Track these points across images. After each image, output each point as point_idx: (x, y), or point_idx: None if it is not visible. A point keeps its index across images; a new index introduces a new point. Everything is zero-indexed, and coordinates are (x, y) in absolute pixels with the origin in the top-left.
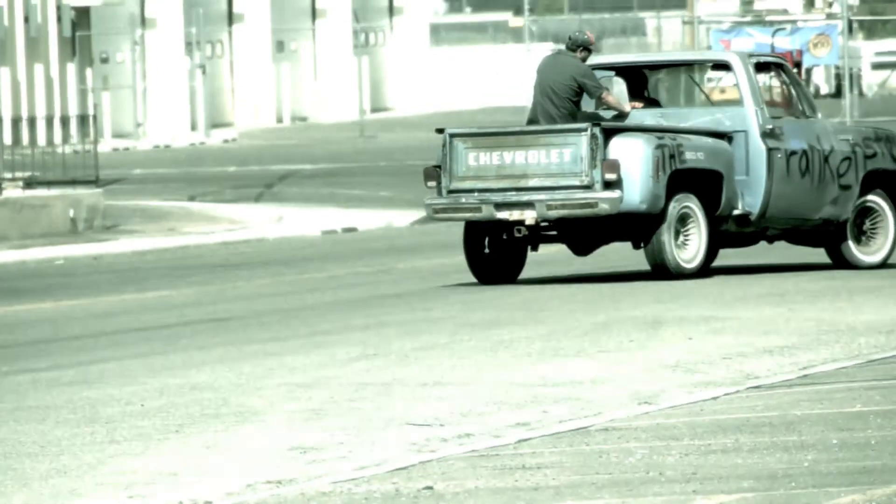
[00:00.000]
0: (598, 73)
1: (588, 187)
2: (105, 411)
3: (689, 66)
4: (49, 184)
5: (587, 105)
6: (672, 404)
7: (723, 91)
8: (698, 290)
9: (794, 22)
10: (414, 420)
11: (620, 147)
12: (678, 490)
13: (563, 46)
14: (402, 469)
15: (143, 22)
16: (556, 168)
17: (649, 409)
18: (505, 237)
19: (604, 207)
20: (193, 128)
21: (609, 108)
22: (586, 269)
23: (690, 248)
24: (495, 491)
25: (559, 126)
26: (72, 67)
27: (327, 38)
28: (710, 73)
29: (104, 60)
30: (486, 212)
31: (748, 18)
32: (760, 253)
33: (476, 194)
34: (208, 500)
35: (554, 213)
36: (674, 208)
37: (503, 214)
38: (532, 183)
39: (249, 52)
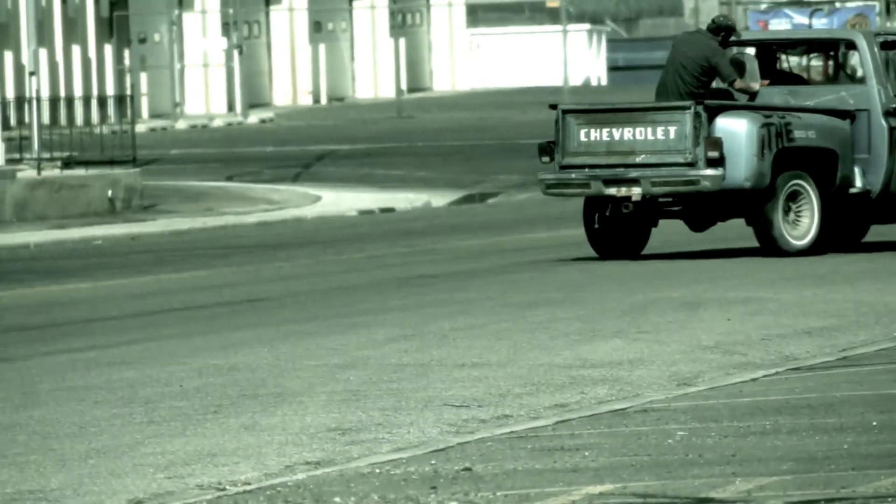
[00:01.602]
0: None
1: (692, 164)
2: (144, 392)
3: (817, 44)
4: (87, 164)
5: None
6: (711, 386)
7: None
8: (737, 270)
9: (831, 2)
10: (452, 401)
11: (725, 125)
12: (717, 472)
13: (606, 27)
14: (440, 450)
15: (181, 2)
16: (662, 145)
17: (688, 391)
18: (620, 212)
19: (705, 185)
20: (231, 108)
21: (739, 91)
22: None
23: (802, 225)
24: (533, 472)
25: (665, 103)
26: (109, 48)
27: (364, 19)
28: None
29: (142, 41)
30: (595, 188)
31: None
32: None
33: (586, 170)
34: (246, 481)
35: (658, 190)
36: (782, 186)
37: (611, 191)
38: (639, 160)
39: (287, 32)
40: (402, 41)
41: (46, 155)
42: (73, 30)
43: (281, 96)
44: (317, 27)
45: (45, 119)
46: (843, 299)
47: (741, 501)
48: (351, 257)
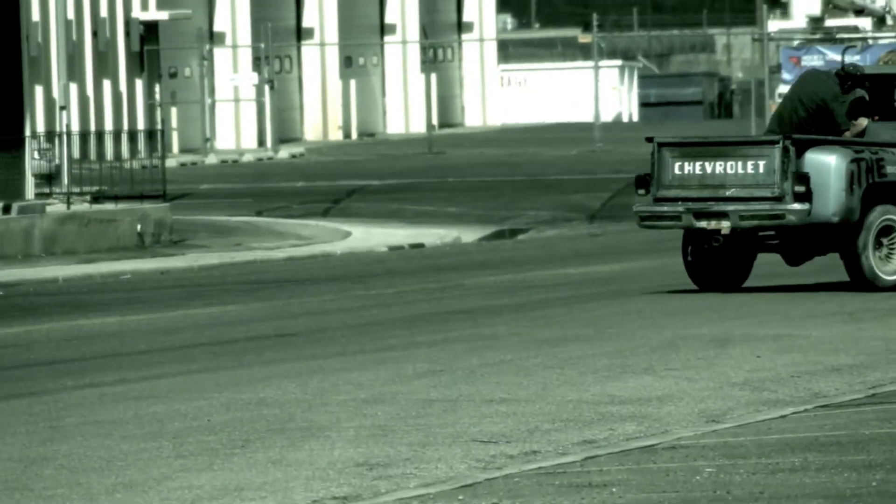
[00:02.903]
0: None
1: (779, 199)
2: (171, 426)
3: None
4: (116, 198)
5: None
6: (739, 423)
7: None
8: (767, 307)
9: (864, 39)
10: (480, 437)
11: (814, 160)
12: None
13: (638, 63)
14: (468, 486)
15: (212, 37)
16: (751, 179)
17: (717, 428)
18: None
19: (791, 219)
20: (261, 143)
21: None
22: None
23: (894, 261)
24: None
25: (755, 138)
26: (140, 82)
27: (396, 54)
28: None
29: (172, 75)
30: (686, 220)
31: (818, 36)
32: (828, 271)
33: (679, 203)
34: None
35: (746, 224)
36: (874, 221)
37: (701, 224)
38: (729, 193)
39: (318, 67)
40: (433, 76)
41: (76, 189)
42: (104, 64)
43: (311, 131)
44: (348, 62)
45: (76, 153)
46: (872, 336)
47: None
48: (380, 293)
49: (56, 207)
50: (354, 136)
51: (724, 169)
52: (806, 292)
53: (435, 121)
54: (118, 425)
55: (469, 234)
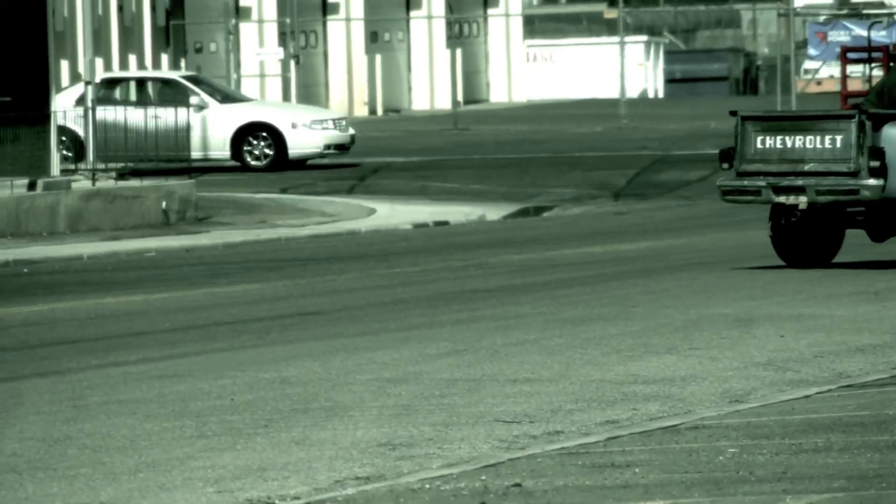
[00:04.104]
0: None
1: (854, 174)
2: (195, 405)
3: None
4: (142, 175)
5: None
6: (763, 403)
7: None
8: (791, 286)
9: (891, 15)
10: (503, 417)
11: (891, 135)
12: (768, 490)
13: (664, 39)
14: (490, 466)
15: (238, 12)
16: (829, 154)
17: (740, 408)
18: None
19: (865, 194)
20: None
21: None
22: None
23: None
24: (584, 489)
25: (833, 112)
26: (165, 57)
27: (421, 30)
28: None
29: (198, 50)
30: (765, 195)
31: (844, 11)
32: (855, 251)
33: (759, 178)
34: (296, 495)
35: (822, 199)
36: None
37: (780, 198)
38: (807, 168)
39: (343, 42)
40: (458, 52)
41: (101, 166)
42: (130, 39)
43: (337, 107)
44: (373, 37)
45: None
46: None
47: None
48: (404, 271)
49: (81, 184)
50: (380, 112)
51: (804, 143)
52: (832, 270)
53: (460, 97)
54: (141, 404)
55: (494, 212)
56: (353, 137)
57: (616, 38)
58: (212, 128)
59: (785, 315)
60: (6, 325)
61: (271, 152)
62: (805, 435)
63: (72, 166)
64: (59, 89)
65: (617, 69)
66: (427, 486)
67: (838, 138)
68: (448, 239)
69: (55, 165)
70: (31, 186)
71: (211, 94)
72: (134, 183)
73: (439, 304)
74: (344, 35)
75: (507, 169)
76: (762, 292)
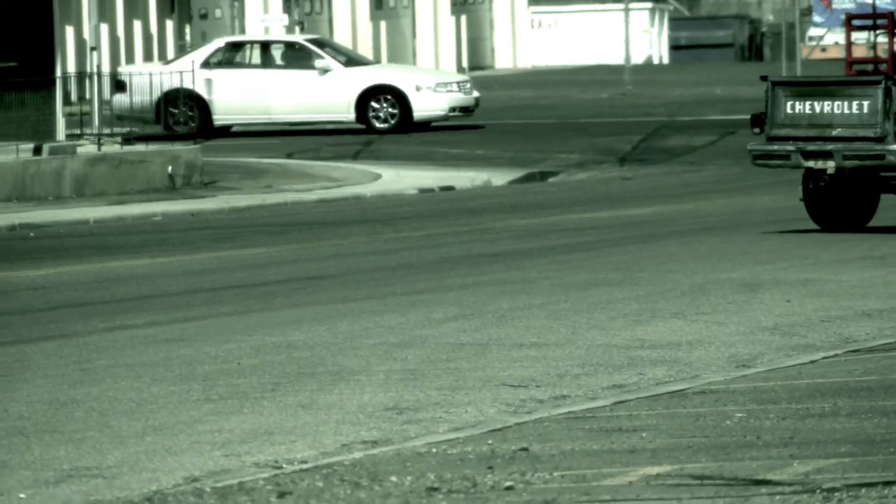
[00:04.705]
0: None
1: (881, 139)
2: (201, 369)
3: None
4: (147, 140)
5: None
6: (769, 368)
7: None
8: (797, 252)
9: None
10: (510, 381)
11: None
12: (775, 454)
13: (668, 5)
14: (497, 430)
15: None
16: (856, 119)
17: (746, 373)
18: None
19: (891, 159)
20: None
21: None
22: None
23: None
24: (591, 453)
25: (860, 78)
26: (170, 23)
27: None
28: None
29: (203, 16)
30: (794, 160)
31: None
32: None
33: (789, 143)
34: (303, 459)
35: (849, 164)
36: None
37: (809, 163)
38: (835, 133)
39: (348, 8)
40: (463, 18)
41: (107, 131)
42: (135, 4)
43: None
44: (378, 4)
45: (107, 95)
46: None
47: (799, 483)
48: (410, 235)
49: (87, 149)
50: None
51: (832, 109)
52: (838, 235)
53: (465, 63)
54: (148, 368)
55: (499, 177)
56: (477, 100)
57: (621, 5)
58: (336, 91)
59: (791, 280)
60: (13, 289)
61: (396, 113)
62: (812, 399)
63: (77, 131)
64: (64, 55)
65: (621, 36)
66: (434, 450)
67: (865, 104)
68: (454, 204)
69: (61, 130)
70: (37, 151)
71: (335, 57)
72: (139, 147)
73: (445, 268)
74: (349, 1)
75: (513, 135)
76: (768, 257)
